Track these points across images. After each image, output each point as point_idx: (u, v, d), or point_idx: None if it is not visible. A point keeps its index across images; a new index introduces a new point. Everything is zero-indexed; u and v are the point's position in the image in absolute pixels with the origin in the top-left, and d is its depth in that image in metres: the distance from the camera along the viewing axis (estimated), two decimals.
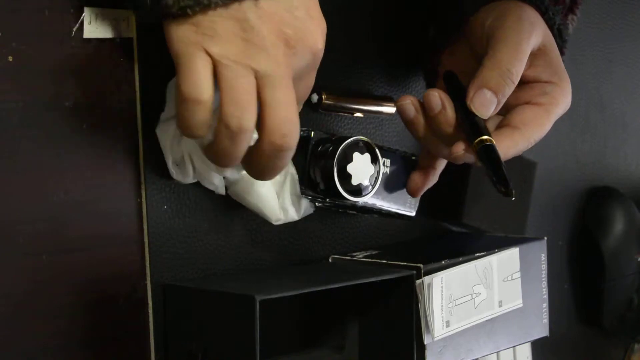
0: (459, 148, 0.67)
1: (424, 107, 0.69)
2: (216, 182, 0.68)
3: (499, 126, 0.70)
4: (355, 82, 0.78)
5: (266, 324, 0.61)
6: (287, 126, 0.58)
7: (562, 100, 0.71)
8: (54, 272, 0.63)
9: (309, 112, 0.75)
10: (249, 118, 0.57)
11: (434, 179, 0.74)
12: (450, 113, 0.68)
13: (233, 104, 0.57)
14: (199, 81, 0.57)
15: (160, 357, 0.67)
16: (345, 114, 0.77)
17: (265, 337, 0.61)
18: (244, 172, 0.66)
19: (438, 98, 0.68)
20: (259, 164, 0.60)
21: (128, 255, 0.66)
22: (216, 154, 0.60)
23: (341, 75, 0.77)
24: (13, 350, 0.62)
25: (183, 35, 0.57)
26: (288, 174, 0.70)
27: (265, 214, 0.69)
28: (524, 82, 0.70)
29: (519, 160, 0.87)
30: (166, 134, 0.66)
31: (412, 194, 0.75)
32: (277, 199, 0.70)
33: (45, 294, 0.63)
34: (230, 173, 0.67)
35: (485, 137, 0.66)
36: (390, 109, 0.79)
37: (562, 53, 0.75)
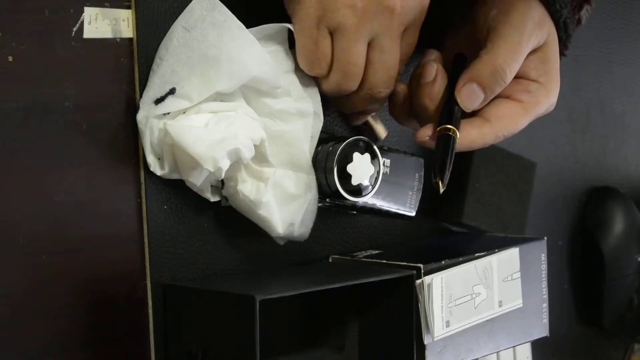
0: (425, 133, 0.67)
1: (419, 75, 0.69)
2: (198, 183, 0.65)
3: (473, 115, 0.69)
4: None
5: (266, 324, 0.61)
6: (386, 83, 0.67)
7: (543, 102, 0.70)
8: (54, 272, 0.63)
9: None
10: (352, 85, 0.66)
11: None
12: (436, 89, 0.68)
13: (341, 75, 0.65)
14: (321, 57, 0.65)
15: (160, 357, 0.67)
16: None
17: (265, 337, 0.61)
18: (240, 186, 0.66)
19: (435, 69, 0.68)
20: (354, 105, 0.69)
21: (128, 255, 0.66)
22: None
23: None
24: (13, 350, 0.62)
25: (305, 13, 0.64)
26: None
27: (267, 230, 0.69)
28: None
29: (519, 160, 0.87)
30: (146, 121, 0.64)
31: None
32: (279, 215, 0.68)
33: (45, 294, 0.63)
34: (195, 177, 0.65)
35: (451, 127, 0.66)
36: None
37: (565, 47, 0.73)
